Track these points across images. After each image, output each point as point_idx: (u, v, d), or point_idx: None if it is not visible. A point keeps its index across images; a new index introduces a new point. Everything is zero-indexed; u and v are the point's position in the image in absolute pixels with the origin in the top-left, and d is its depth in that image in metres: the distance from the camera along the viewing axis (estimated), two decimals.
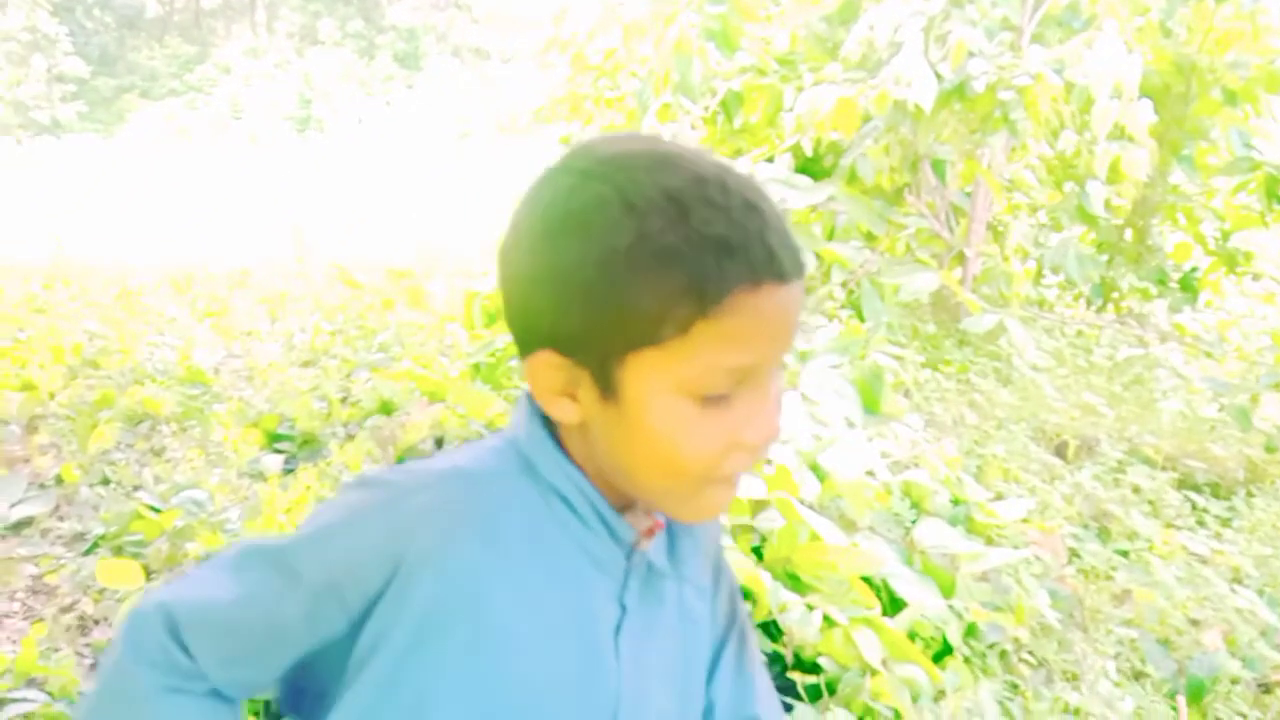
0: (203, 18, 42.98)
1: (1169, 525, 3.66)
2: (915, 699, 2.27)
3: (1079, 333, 6.24)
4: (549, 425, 0.82)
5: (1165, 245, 6.78)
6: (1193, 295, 6.68)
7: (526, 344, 0.79)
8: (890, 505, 3.00)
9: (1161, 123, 5.83)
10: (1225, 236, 6.62)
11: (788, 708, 2.21)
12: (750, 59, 6.12)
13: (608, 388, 0.76)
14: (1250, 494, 4.03)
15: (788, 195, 5.06)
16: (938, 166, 5.56)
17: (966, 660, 2.54)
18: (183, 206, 14.37)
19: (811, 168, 5.67)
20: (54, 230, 9.59)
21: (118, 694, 0.82)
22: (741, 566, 2.39)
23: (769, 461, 2.79)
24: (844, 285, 4.99)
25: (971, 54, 4.86)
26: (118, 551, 3.26)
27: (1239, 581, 3.21)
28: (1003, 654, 2.67)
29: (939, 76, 4.82)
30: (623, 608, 0.85)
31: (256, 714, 2.23)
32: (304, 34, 39.22)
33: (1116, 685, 2.55)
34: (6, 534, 3.61)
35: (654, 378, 0.73)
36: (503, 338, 4.50)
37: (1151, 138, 5.39)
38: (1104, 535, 3.56)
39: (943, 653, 2.54)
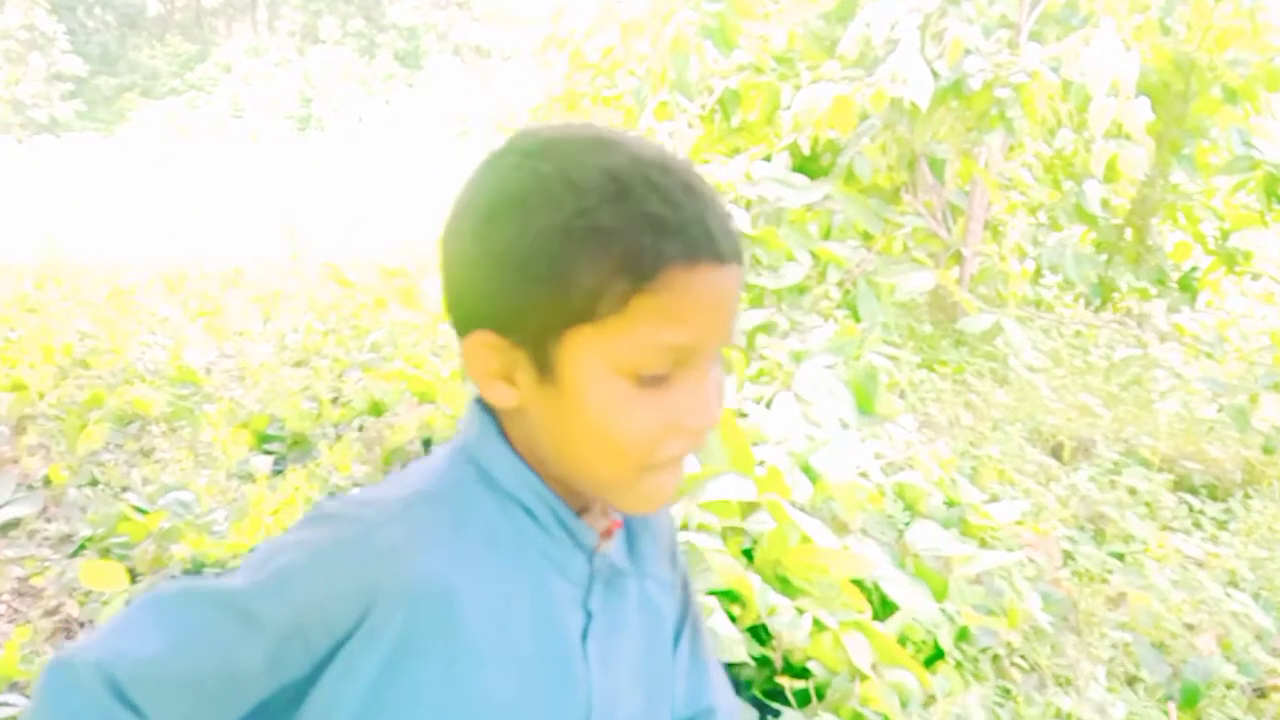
0: (204, 16, 43.03)
1: (1165, 527, 3.63)
2: (904, 704, 2.24)
3: (1077, 333, 6.21)
4: (499, 428, 0.81)
5: (1165, 245, 6.77)
6: (1192, 295, 6.67)
7: (464, 325, 0.78)
8: (883, 507, 2.98)
9: (1161, 121, 5.81)
10: (1225, 236, 6.61)
11: (775, 713, 2.18)
12: (748, 57, 6.11)
13: (545, 368, 0.75)
14: (1247, 496, 3.99)
15: (784, 194, 5.04)
16: (935, 165, 5.54)
17: (958, 665, 2.51)
18: (181, 205, 14.36)
19: (809, 166, 5.65)
20: (49, 229, 9.58)
21: None
22: (730, 569, 2.36)
23: (762, 463, 2.77)
24: (840, 284, 4.97)
25: (968, 51, 4.84)
26: (104, 554, 3.23)
27: (1235, 585, 3.18)
28: (995, 658, 2.64)
29: (935, 74, 4.80)
30: (588, 613, 0.84)
31: None
32: (305, 32, 39.28)
33: (1110, 690, 2.52)
34: None
35: (591, 356, 0.73)
36: None
37: (1150, 136, 5.37)
38: (1099, 537, 3.53)
39: (934, 657, 2.51)
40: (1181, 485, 4.09)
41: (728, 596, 2.35)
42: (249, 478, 3.78)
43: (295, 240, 9.03)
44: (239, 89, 33.90)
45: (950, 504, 3.16)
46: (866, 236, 5.46)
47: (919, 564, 2.73)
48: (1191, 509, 3.84)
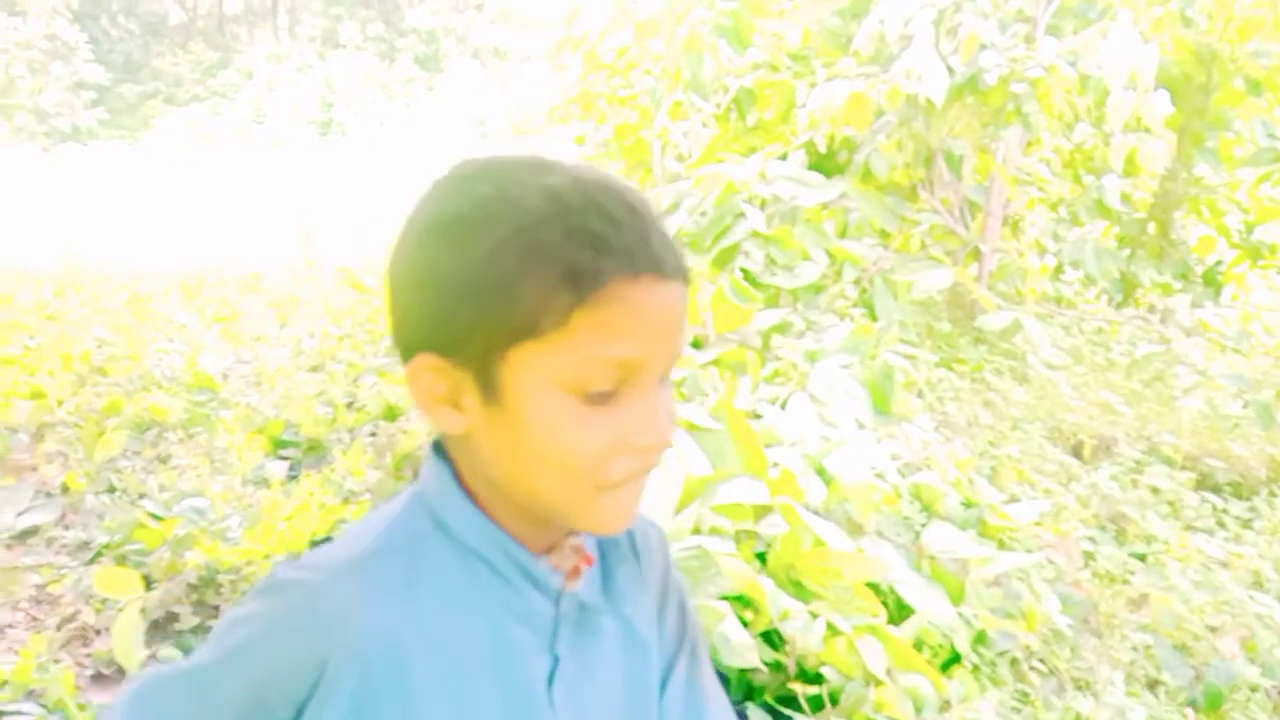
0: (226, 23, 43.33)
1: (1188, 527, 3.58)
2: (919, 710, 2.21)
3: (1098, 329, 6.14)
4: (455, 475, 0.80)
5: (1188, 239, 6.68)
6: (1216, 289, 6.58)
7: (408, 349, 0.77)
8: (899, 509, 2.94)
9: (1183, 114, 5.73)
10: (1250, 229, 6.52)
11: (788, 719, 2.15)
12: (762, 55, 6.08)
13: (490, 388, 0.74)
14: (1272, 494, 3.94)
15: (800, 192, 5.00)
16: (952, 161, 5.49)
17: (975, 669, 2.48)
18: (201, 212, 14.46)
19: (825, 164, 5.62)
20: (68, 237, 9.65)
21: None
22: (743, 574, 2.33)
23: (776, 465, 2.74)
24: (856, 283, 4.93)
25: (983, 46, 4.79)
26: (120, 561, 3.25)
27: (1259, 586, 3.12)
28: (1013, 662, 2.60)
29: (951, 70, 4.75)
30: (555, 657, 0.82)
31: None
32: (326, 38, 39.47)
33: (1131, 694, 2.48)
34: (12, 543, 3.61)
35: (535, 373, 0.72)
36: None
37: (1173, 129, 5.30)
38: (1120, 538, 3.48)
39: (950, 661, 2.47)
40: (1205, 484, 4.03)
41: (740, 601, 2.32)
42: (264, 483, 3.79)
43: (311, 245, 9.05)
44: (261, 95, 34.15)
45: (968, 505, 3.13)
46: (883, 234, 5.42)
47: (935, 566, 2.69)
48: (1215, 508, 3.78)
